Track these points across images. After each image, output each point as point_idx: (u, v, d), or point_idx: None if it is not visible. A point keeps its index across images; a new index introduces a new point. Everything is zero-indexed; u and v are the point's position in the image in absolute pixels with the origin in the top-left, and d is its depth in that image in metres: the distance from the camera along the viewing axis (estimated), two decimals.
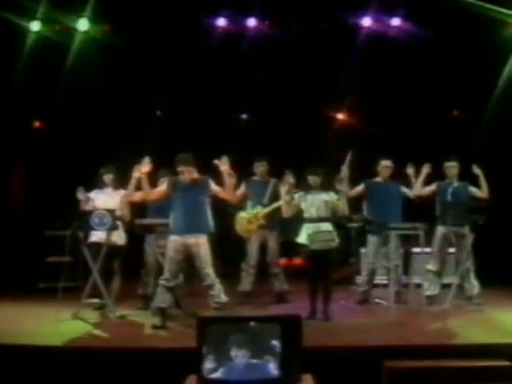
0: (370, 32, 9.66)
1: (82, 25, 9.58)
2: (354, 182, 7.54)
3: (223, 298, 6.40)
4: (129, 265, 7.36)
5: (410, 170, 7.70)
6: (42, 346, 5.65)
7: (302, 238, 6.78)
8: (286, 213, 6.93)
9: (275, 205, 7.50)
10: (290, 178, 6.85)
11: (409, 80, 9.62)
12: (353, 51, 9.53)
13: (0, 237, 9.13)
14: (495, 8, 8.78)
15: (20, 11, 9.18)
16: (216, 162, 6.48)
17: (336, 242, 6.75)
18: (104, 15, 9.47)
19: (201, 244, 6.38)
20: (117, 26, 9.45)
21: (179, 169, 6.46)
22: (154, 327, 6.29)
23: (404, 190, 7.71)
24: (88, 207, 7.15)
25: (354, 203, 7.48)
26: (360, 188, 7.70)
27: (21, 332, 6.12)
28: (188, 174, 6.45)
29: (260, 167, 7.90)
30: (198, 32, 9.68)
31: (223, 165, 6.45)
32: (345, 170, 6.97)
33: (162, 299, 6.39)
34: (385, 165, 7.72)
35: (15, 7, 9.01)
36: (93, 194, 7.29)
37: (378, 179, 7.78)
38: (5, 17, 8.94)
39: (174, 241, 6.41)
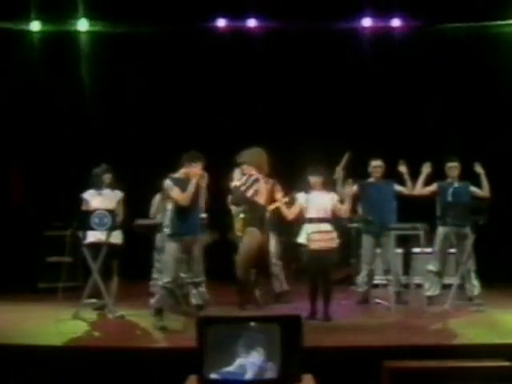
0: (370, 32, 9.72)
1: (82, 25, 9.60)
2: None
3: (206, 296, 6.76)
4: (127, 264, 7.36)
5: (403, 168, 7.68)
6: (43, 345, 5.66)
7: (301, 238, 6.77)
8: (289, 215, 6.92)
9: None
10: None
11: (407, 79, 9.62)
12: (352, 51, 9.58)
13: (0, 236, 9.12)
14: None
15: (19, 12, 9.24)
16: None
17: (336, 242, 6.74)
18: (103, 14, 9.49)
19: (197, 242, 6.55)
20: (116, 26, 9.45)
21: (193, 164, 6.38)
22: (155, 327, 6.29)
23: (397, 188, 7.68)
24: (83, 207, 7.15)
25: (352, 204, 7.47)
26: (354, 189, 7.68)
27: (21, 332, 6.12)
28: (198, 169, 6.44)
29: None
30: (198, 32, 9.69)
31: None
32: (340, 171, 6.95)
33: (164, 300, 6.39)
34: (375, 165, 7.70)
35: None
36: (87, 195, 7.25)
37: (371, 180, 7.76)
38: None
39: (175, 243, 6.42)
